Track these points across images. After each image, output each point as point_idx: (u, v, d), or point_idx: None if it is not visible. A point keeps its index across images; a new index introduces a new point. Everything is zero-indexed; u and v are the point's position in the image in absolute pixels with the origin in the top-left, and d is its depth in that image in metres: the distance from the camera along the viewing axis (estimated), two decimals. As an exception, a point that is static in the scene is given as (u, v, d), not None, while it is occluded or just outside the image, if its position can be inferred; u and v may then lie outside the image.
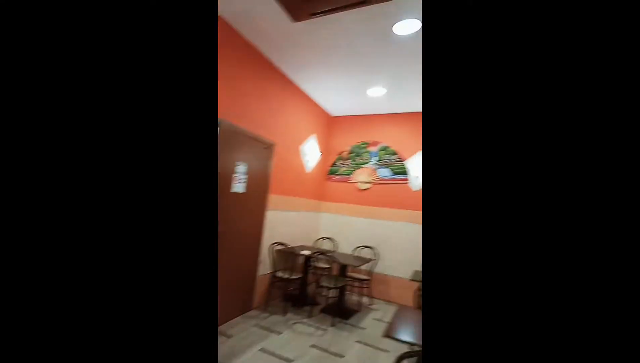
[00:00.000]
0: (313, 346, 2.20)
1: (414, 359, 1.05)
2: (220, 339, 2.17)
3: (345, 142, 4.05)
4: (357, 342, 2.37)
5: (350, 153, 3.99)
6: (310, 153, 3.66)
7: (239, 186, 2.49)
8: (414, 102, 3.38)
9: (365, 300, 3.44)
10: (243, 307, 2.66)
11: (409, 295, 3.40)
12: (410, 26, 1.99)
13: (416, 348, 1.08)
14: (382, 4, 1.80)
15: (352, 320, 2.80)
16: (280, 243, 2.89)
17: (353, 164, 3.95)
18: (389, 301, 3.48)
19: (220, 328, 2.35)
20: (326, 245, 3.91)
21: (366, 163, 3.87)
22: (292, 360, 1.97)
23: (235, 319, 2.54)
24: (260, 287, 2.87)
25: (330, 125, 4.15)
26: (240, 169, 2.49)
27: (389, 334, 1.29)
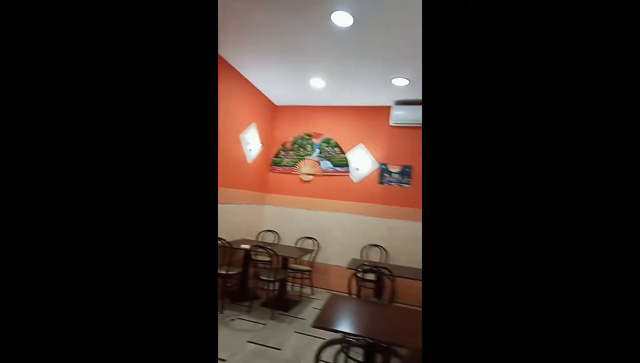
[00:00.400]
0: (250, 341, 2.15)
1: (337, 347, 1.07)
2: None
3: (289, 133, 3.98)
4: (295, 332, 2.39)
5: (294, 144, 3.95)
6: (253, 142, 3.52)
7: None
8: (356, 96, 3.46)
9: (307, 290, 3.49)
10: (174, 308, 2.46)
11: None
12: (346, 19, 2.00)
13: (340, 336, 1.10)
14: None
15: (292, 312, 2.81)
16: (218, 239, 2.73)
17: (296, 155, 3.92)
18: (330, 290, 3.59)
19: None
20: (269, 238, 3.84)
21: (309, 155, 3.87)
22: (225, 360, 1.89)
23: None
24: (195, 285, 2.69)
25: (274, 114, 4.03)
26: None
27: (316, 324, 1.31)
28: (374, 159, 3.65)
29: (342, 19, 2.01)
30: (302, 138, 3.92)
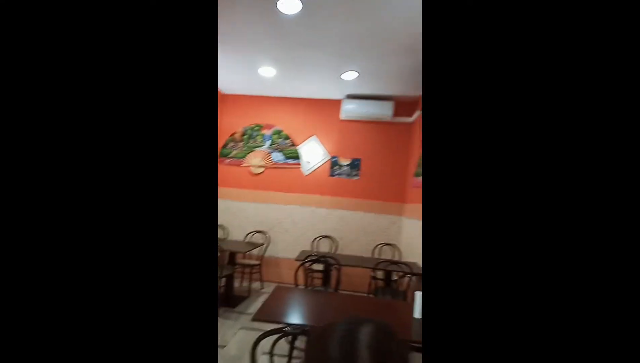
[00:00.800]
0: (191, 342, 2.02)
1: (274, 337, 1.05)
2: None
3: (238, 123, 3.81)
4: (242, 328, 2.32)
5: (243, 135, 3.79)
6: (196, 133, 3.28)
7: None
8: (308, 88, 3.44)
9: (256, 285, 3.41)
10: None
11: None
12: (292, 6, 1.95)
13: (280, 327, 1.08)
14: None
15: (239, 308, 2.72)
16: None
17: (246, 147, 3.78)
18: (281, 283, 3.56)
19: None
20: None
21: (260, 146, 3.76)
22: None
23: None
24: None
25: (221, 103, 3.81)
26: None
27: (257, 317, 1.27)
28: (325, 151, 3.69)
29: (289, 6, 1.95)
30: (252, 129, 3.78)
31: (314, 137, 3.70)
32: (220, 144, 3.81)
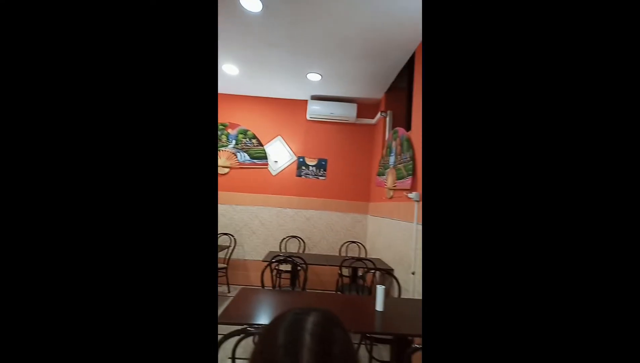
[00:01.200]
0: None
1: (236, 338, 1.04)
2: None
3: None
4: (206, 334, 2.24)
5: None
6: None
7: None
8: (273, 88, 3.42)
9: (223, 289, 3.32)
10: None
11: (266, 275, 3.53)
12: (255, 4, 1.94)
13: (241, 328, 1.08)
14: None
15: (204, 313, 2.63)
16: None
17: None
18: (250, 286, 3.50)
19: None
20: (179, 237, 3.49)
21: (225, 146, 3.66)
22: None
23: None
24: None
25: None
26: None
27: (220, 320, 1.25)
28: (292, 152, 3.69)
29: (251, 3, 1.94)
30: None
31: (279, 137, 3.69)
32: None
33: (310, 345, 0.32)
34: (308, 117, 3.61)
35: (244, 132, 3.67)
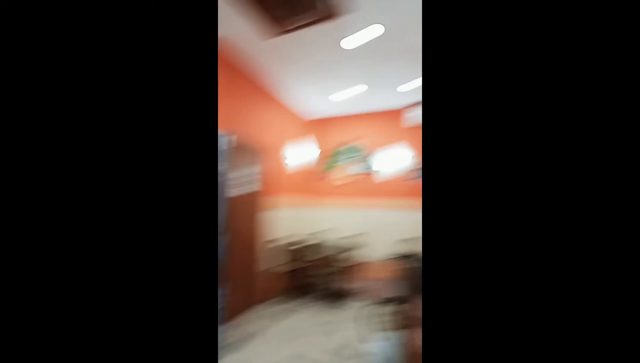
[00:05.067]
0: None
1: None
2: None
3: (334, 142, 3.86)
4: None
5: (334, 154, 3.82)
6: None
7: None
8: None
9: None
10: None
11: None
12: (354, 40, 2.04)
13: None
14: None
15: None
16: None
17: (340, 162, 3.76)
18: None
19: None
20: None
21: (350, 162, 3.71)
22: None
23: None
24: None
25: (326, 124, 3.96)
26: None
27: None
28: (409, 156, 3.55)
29: (351, 40, 2.07)
30: (346, 149, 3.74)
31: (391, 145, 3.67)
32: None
33: None
34: (405, 125, 3.57)
35: (356, 149, 3.65)
